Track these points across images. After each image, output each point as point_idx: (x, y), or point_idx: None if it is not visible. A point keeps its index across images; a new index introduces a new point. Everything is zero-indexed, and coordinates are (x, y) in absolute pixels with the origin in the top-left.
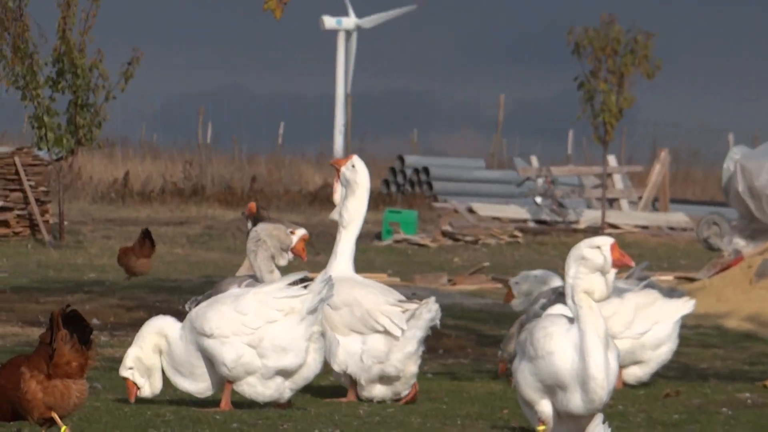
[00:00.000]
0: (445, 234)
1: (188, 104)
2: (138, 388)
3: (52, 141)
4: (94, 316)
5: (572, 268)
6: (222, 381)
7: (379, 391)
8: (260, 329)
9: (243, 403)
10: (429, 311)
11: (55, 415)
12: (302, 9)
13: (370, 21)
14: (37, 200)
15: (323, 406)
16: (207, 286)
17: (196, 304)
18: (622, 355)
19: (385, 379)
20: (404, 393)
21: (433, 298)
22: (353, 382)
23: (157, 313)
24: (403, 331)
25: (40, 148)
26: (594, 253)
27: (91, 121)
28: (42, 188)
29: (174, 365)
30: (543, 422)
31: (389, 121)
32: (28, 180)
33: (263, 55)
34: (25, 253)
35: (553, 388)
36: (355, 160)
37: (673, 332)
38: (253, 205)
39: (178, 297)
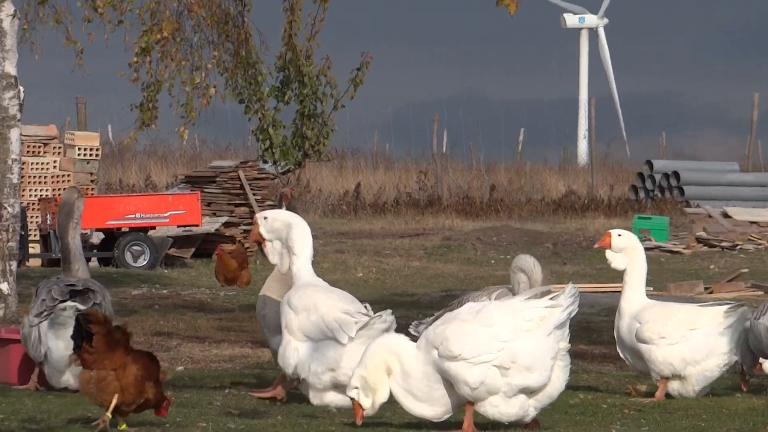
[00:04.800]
0: (699, 240)
1: (422, 111)
2: (363, 409)
3: (278, 154)
4: None
5: None
6: (461, 402)
7: (332, 398)
8: (509, 343)
9: (486, 425)
10: (384, 322)
11: None
12: (541, 7)
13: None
14: None
15: (572, 425)
16: (446, 300)
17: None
18: (660, 365)
19: (339, 387)
20: None
21: (389, 311)
22: (282, 378)
23: (395, 330)
24: (350, 338)
25: (265, 162)
26: None
27: (319, 132)
28: (269, 202)
29: (408, 388)
30: None
31: (636, 124)
32: (254, 194)
33: (500, 58)
34: (253, 269)
35: None
36: (261, 214)
37: (718, 344)
38: (288, 191)
39: (416, 312)
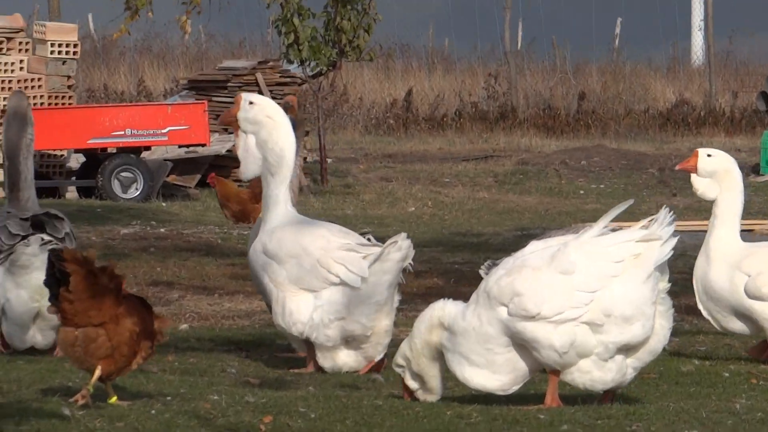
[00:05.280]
0: None
1: None
2: (410, 389)
3: (306, 51)
4: None
5: None
6: (537, 369)
7: (345, 358)
8: (599, 293)
9: (576, 397)
10: (399, 250)
11: None
12: None
13: None
14: None
15: (685, 398)
16: (522, 241)
17: None
18: None
19: (350, 340)
20: (378, 357)
21: (403, 234)
22: (312, 351)
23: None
24: (364, 279)
25: (290, 62)
26: None
27: (358, 24)
28: (294, 115)
29: (462, 353)
30: None
31: (762, 12)
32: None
33: None
34: None
35: None
36: (246, 96)
37: None
38: (294, 99)
39: (482, 257)
